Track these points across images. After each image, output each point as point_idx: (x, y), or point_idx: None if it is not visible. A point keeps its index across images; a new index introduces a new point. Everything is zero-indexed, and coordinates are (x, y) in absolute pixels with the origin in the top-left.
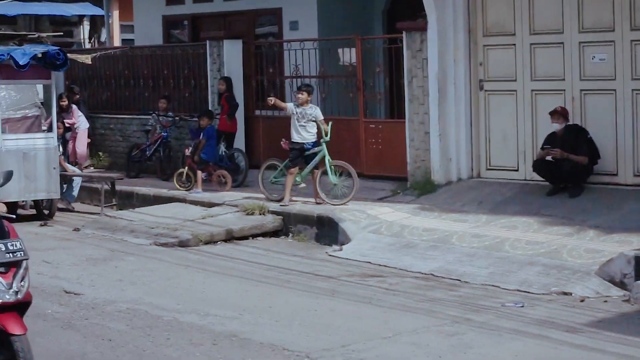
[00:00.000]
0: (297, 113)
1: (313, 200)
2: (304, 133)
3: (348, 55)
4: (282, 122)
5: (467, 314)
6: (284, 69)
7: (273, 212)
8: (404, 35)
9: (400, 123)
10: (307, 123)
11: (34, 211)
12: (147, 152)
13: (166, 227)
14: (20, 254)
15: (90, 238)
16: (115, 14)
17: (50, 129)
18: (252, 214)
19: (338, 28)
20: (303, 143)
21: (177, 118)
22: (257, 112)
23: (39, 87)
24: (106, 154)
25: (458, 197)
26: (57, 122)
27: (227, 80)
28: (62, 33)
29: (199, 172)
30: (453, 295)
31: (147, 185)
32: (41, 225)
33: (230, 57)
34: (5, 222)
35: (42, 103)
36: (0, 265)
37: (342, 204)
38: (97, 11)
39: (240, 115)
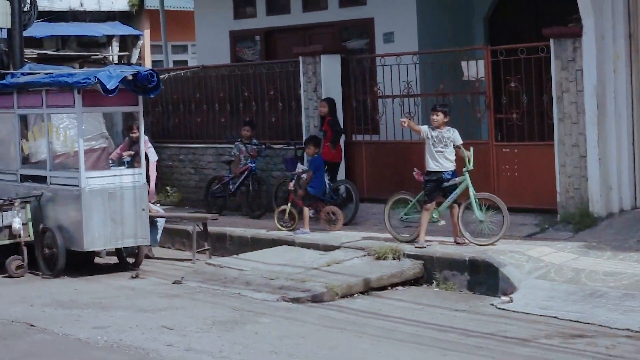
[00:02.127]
0: (432, 137)
1: (451, 239)
2: (441, 160)
3: (474, 69)
4: (388, 148)
5: None
6: (390, 87)
7: (410, 256)
8: (551, 43)
9: (543, 146)
10: (444, 148)
11: (112, 259)
12: (231, 186)
13: (289, 277)
14: None
15: (200, 293)
16: (147, 33)
17: (134, 162)
18: (385, 258)
19: (438, 39)
20: (441, 172)
21: (263, 146)
22: (359, 137)
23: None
24: (175, 189)
25: (628, 231)
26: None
27: (330, 102)
28: (127, 53)
29: (306, 209)
30: None
31: (237, 224)
32: (132, 277)
33: (329, 75)
34: None
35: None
36: None
37: (489, 244)
38: (129, 31)
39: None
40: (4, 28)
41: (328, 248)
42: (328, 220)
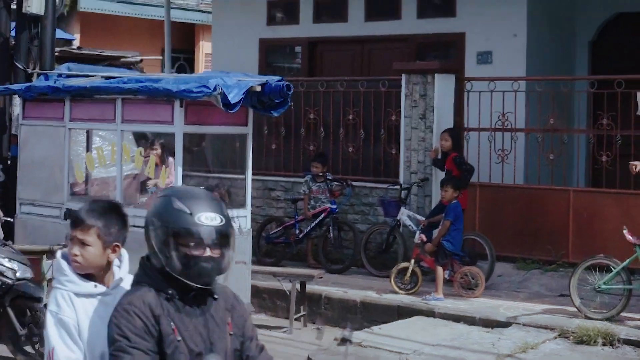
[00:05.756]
0: None
1: None
2: None
3: None
4: (512, 194)
5: None
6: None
7: (628, 342)
8: None
9: None
10: None
11: None
12: (297, 230)
13: None
14: None
15: None
16: (77, 37)
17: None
18: (592, 343)
19: (544, 63)
20: None
21: (345, 183)
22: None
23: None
24: None
25: None
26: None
27: (454, 134)
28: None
29: (440, 270)
30: None
31: (323, 282)
32: None
33: (442, 100)
34: None
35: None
36: None
37: None
38: (58, 34)
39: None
40: (39, 14)
41: (489, 323)
42: (465, 284)
